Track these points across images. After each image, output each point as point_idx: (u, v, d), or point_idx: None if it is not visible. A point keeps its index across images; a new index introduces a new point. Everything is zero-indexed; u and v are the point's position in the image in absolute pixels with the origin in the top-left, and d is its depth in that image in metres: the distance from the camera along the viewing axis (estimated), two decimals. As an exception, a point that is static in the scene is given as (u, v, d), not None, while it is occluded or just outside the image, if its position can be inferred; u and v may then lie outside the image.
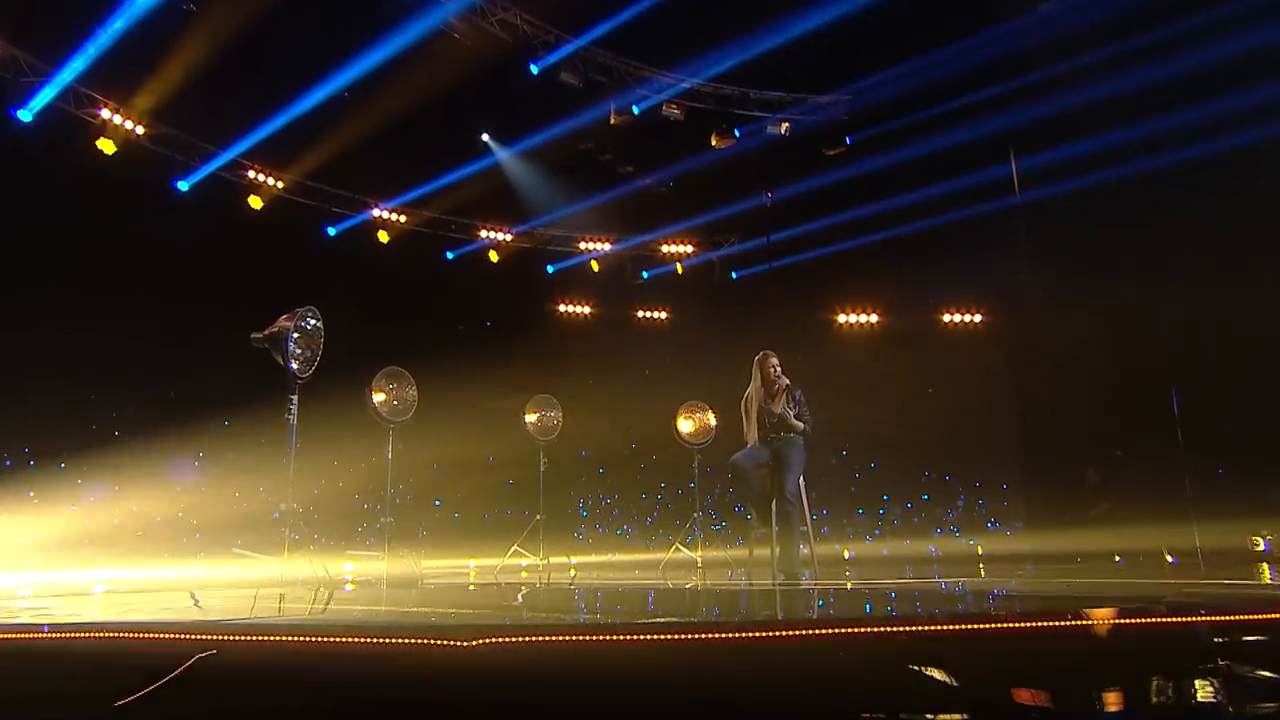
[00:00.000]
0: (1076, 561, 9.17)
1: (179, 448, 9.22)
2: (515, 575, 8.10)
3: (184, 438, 9.15)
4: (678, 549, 8.91)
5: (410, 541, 11.08)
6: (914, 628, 2.07)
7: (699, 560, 8.66)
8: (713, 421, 8.94)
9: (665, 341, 12.58)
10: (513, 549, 8.27)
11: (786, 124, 10.62)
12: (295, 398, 5.59)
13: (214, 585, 5.98)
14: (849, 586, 5.09)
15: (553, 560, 10.30)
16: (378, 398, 7.17)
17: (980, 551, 10.70)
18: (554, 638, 2.07)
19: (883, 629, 2.08)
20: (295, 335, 5.62)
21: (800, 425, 5.97)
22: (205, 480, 9.28)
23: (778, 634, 2.11)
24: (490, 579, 7.53)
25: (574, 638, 2.11)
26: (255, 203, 9.81)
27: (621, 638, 2.15)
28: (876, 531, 11.46)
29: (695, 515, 8.83)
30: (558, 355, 13.07)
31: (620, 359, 12.28)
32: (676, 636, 2.12)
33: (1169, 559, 8.19)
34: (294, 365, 5.56)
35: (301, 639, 2.30)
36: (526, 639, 2.03)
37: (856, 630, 2.05)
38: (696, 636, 2.11)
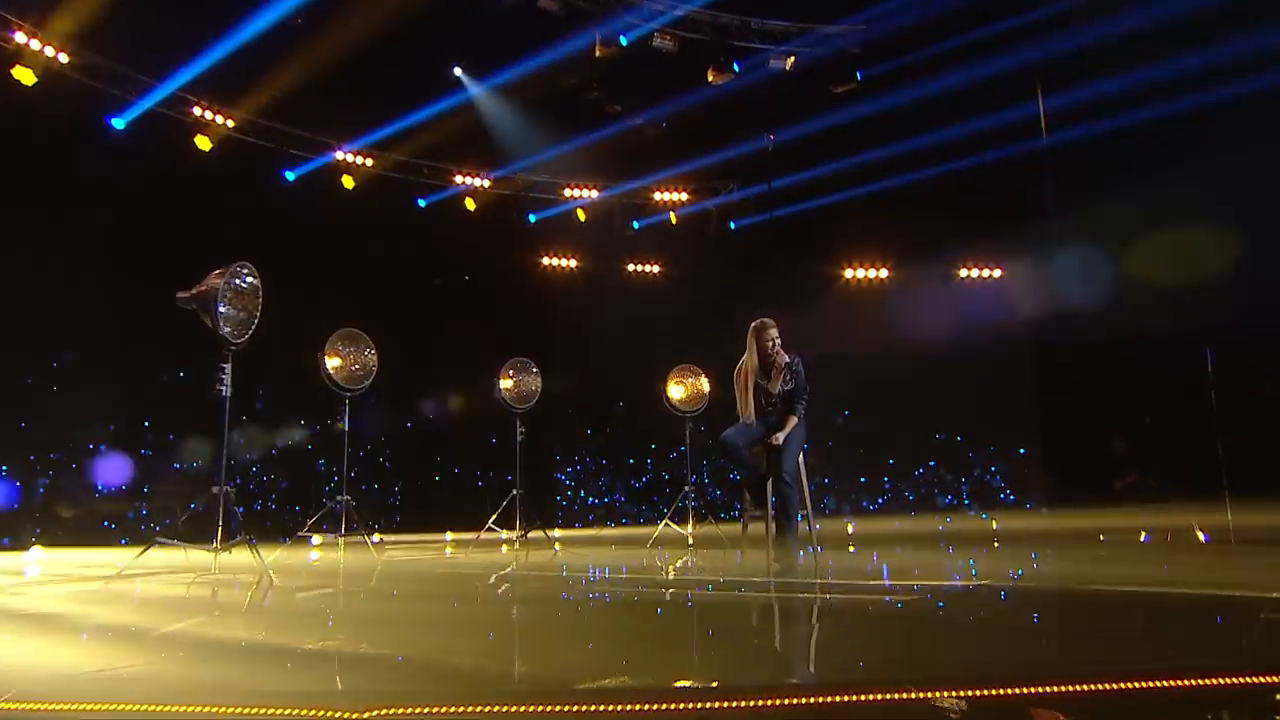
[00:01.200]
0: (1099, 539, 8.88)
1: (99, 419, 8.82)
2: (492, 552, 7.77)
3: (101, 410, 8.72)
4: (668, 524, 8.59)
5: (381, 519, 10.80)
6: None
7: (690, 538, 8.34)
8: (706, 387, 8.57)
9: (658, 297, 12.15)
10: (487, 525, 7.94)
11: (791, 58, 10.03)
12: (228, 367, 5.17)
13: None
14: (854, 582, 4.73)
15: (533, 536, 10.00)
16: (332, 363, 6.76)
17: (994, 526, 10.39)
18: (467, 710, 1.66)
19: (909, 696, 1.67)
20: (228, 295, 5.18)
21: (798, 413, 5.57)
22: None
23: (771, 703, 1.72)
24: (462, 557, 7.19)
25: (496, 709, 1.70)
26: (203, 143, 9.26)
27: (556, 709, 1.74)
28: (880, 500, 11.14)
29: (687, 488, 8.50)
30: (541, 312, 12.66)
31: (610, 316, 11.86)
32: (639, 708, 1.72)
33: (1200, 537, 7.87)
34: (226, 330, 5.13)
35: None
36: (433, 711, 1.62)
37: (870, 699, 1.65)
38: (667, 707, 1.71)
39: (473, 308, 11.76)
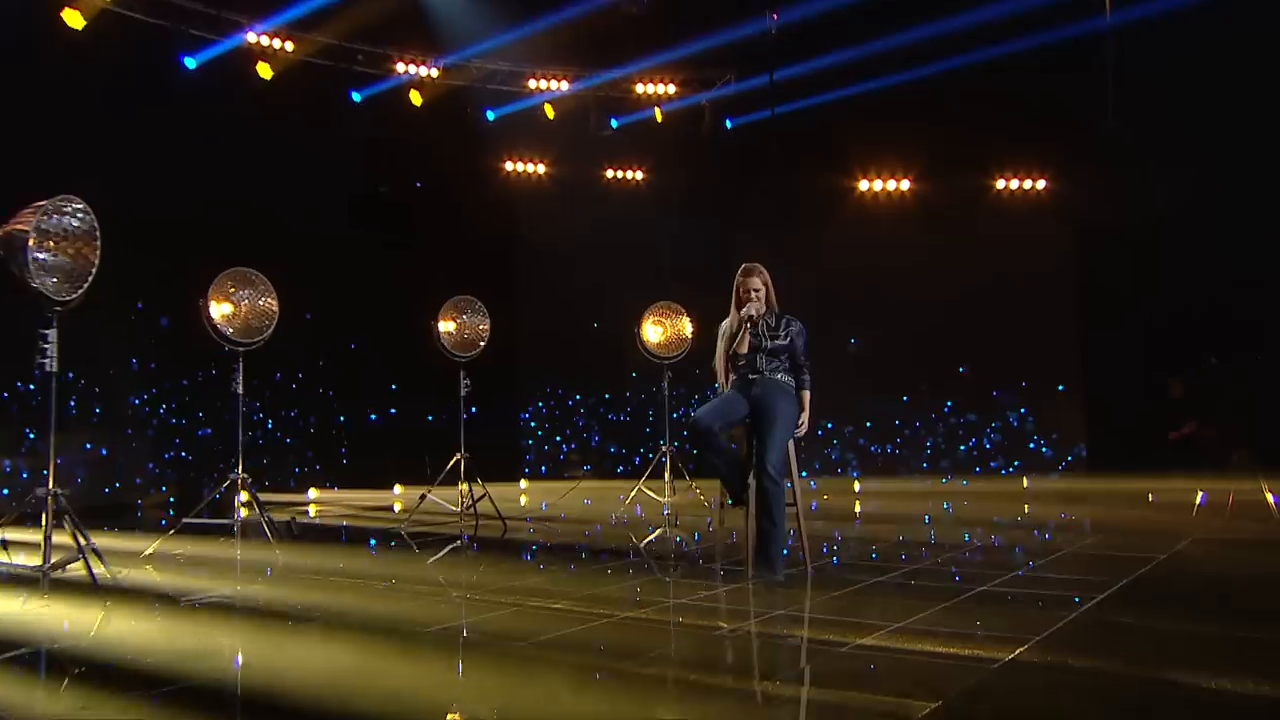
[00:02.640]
0: (1149, 499, 8.19)
1: None
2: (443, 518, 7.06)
3: None
4: (641, 490, 7.87)
5: (328, 476, 10.08)
6: None
7: (666, 504, 7.63)
8: (688, 330, 7.73)
9: (640, 211, 11.14)
10: (425, 495, 7.18)
11: (799, -84, 8.79)
12: (53, 333, 4.29)
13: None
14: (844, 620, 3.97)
15: (492, 493, 9.31)
16: (220, 310, 5.88)
17: (1025, 484, 9.69)
18: None
19: None
20: (47, 237, 4.26)
21: (806, 384, 4.74)
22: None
23: None
24: (377, 562, 6.48)
25: None
26: (74, 21, 8.09)
27: None
28: (891, 448, 10.38)
29: (664, 445, 7.74)
30: (504, 228, 11.70)
31: (584, 233, 10.93)
32: None
33: (1270, 500, 7.20)
34: (48, 283, 4.23)
35: None
36: None
37: None
38: None
39: (422, 225, 10.81)
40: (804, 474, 10.23)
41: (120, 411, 9.16)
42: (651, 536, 6.63)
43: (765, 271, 4.92)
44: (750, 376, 4.76)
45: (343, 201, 10.35)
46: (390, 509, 8.76)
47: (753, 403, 4.67)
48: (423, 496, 7.18)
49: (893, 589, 4.23)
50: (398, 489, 10.37)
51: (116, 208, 8.65)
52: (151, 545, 5.55)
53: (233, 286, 5.94)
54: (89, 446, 8.93)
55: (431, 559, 5.54)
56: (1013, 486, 9.23)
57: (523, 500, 10.44)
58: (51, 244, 4.27)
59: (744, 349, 4.74)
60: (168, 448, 9.33)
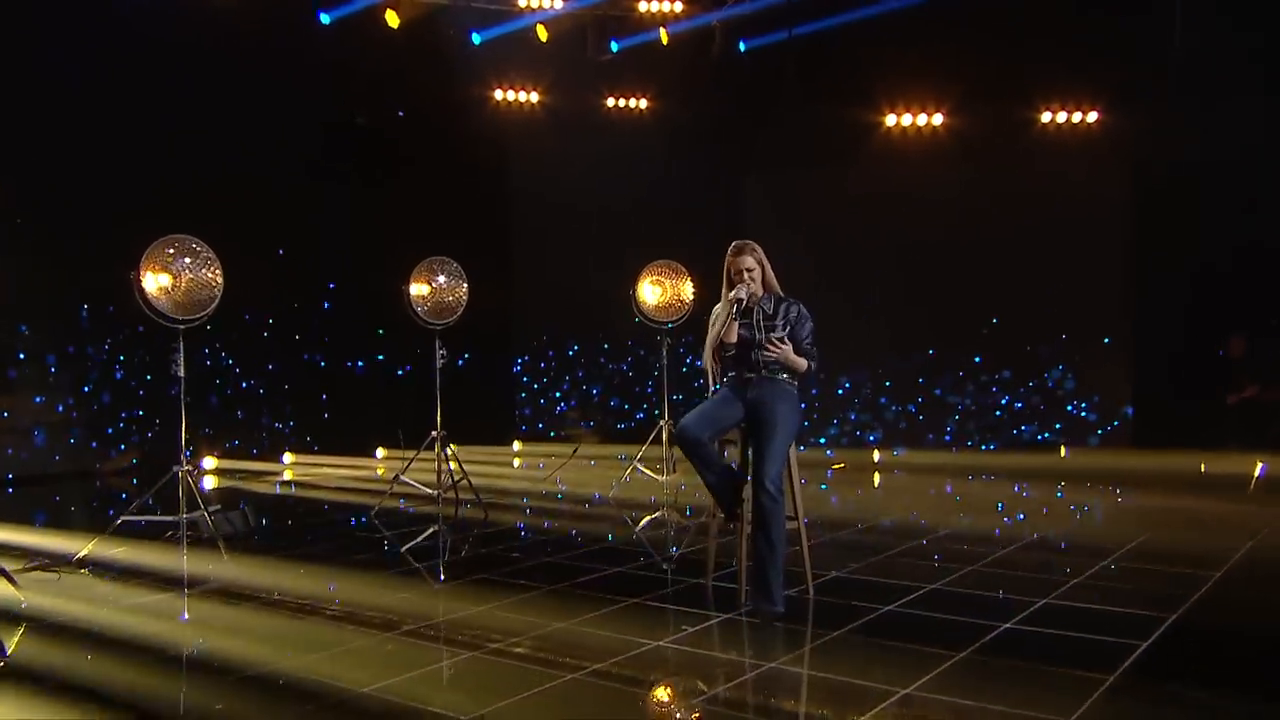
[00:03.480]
0: (1200, 470, 7.79)
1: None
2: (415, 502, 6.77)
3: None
4: (636, 469, 7.53)
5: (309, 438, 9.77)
6: None
7: (664, 485, 7.30)
8: (689, 293, 7.29)
9: (644, 141, 10.58)
10: (398, 476, 6.87)
11: None
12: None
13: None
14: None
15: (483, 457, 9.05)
16: (157, 281, 5.47)
17: (1062, 453, 9.27)
18: None
19: None
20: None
21: (803, 365, 4.28)
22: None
23: None
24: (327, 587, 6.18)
25: None
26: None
27: None
28: (915, 407, 9.91)
29: (661, 421, 7.37)
30: (492, 164, 11.19)
31: (581, 168, 10.42)
32: None
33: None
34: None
35: None
36: None
37: None
38: None
39: (403, 160, 10.33)
40: (822, 440, 9.99)
41: (78, 368, 8.91)
42: (645, 522, 6.34)
43: (760, 250, 4.47)
44: (746, 375, 4.33)
45: (315, 133, 9.89)
46: (368, 480, 8.49)
47: (748, 406, 4.25)
48: (396, 477, 6.86)
49: (904, 627, 3.87)
50: (380, 452, 10.11)
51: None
52: (86, 546, 5.26)
53: (172, 254, 5.52)
54: (41, 401, 8.72)
55: (391, 572, 5.23)
56: (1048, 461, 8.80)
57: (516, 463, 10.18)
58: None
59: (732, 338, 4.31)
60: (132, 406, 9.05)
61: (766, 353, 4.21)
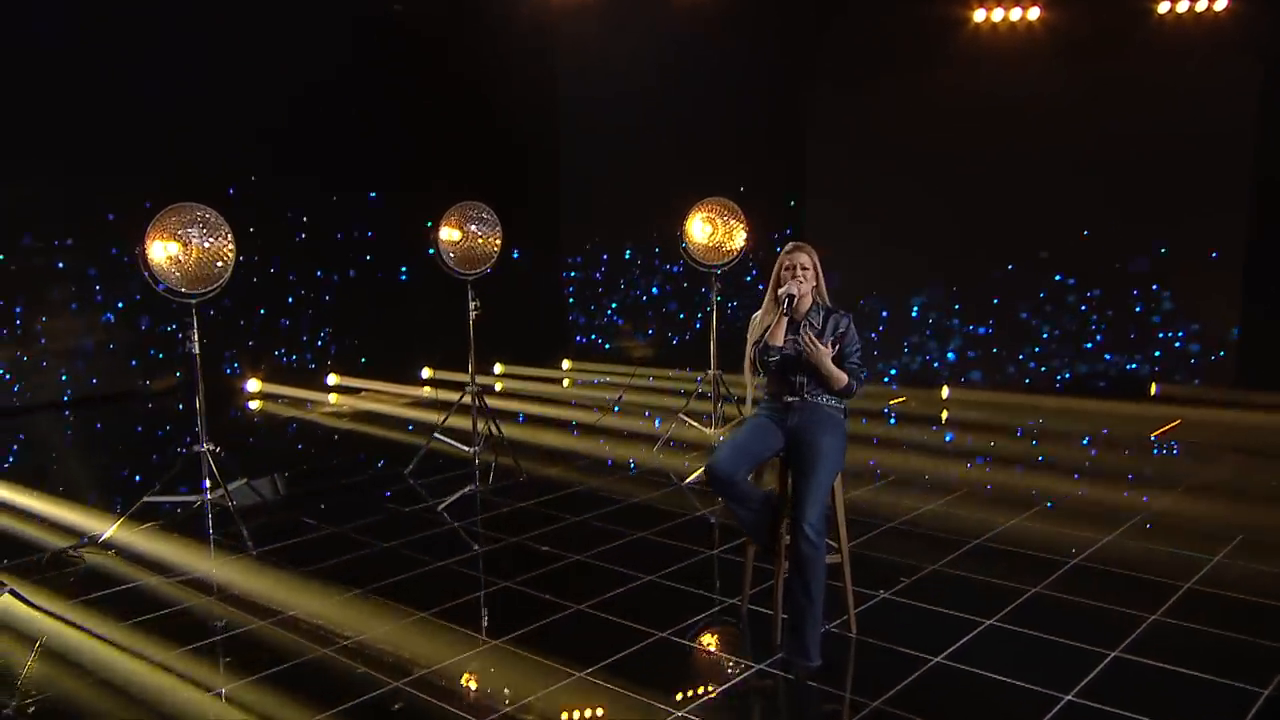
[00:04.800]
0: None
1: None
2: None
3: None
4: (681, 419, 7.24)
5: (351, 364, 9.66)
6: None
7: (714, 439, 6.99)
8: (739, 242, 6.78)
9: (700, 46, 9.78)
10: (434, 434, 6.67)
11: None
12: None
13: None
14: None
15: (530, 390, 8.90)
16: (165, 250, 5.19)
17: (1153, 390, 8.65)
18: None
19: None
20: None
21: (842, 380, 3.84)
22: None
23: None
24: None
25: None
26: None
27: None
28: (985, 330, 9.30)
29: (708, 374, 7.01)
30: (540, 61, 10.58)
31: (637, 65, 9.79)
32: None
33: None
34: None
35: None
36: None
37: None
38: None
39: (446, 55, 9.79)
40: (885, 380, 9.43)
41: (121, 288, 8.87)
42: (690, 479, 6.18)
43: (816, 254, 3.99)
44: (787, 399, 3.92)
45: (351, 28, 9.38)
46: (414, 406, 8.38)
47: (789, 435, 3.86)
48: (433, 433, 6.66)
49: (956, 684, 3.56)
50: (426, 372, 9.97)
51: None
52: (110, 528, 5.21)
53: (176, 223, 5.21)
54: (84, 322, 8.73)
55: (412, 567, 5.07)
56: (1137, 409, 8.07)
57: (565, 383, 9.98)
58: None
59: (778, 340, 3.88)
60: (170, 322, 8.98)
61: (804, 348, 3.78)
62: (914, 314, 9.35)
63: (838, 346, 3.86)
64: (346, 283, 9.99)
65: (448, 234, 6.37)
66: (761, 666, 3.73)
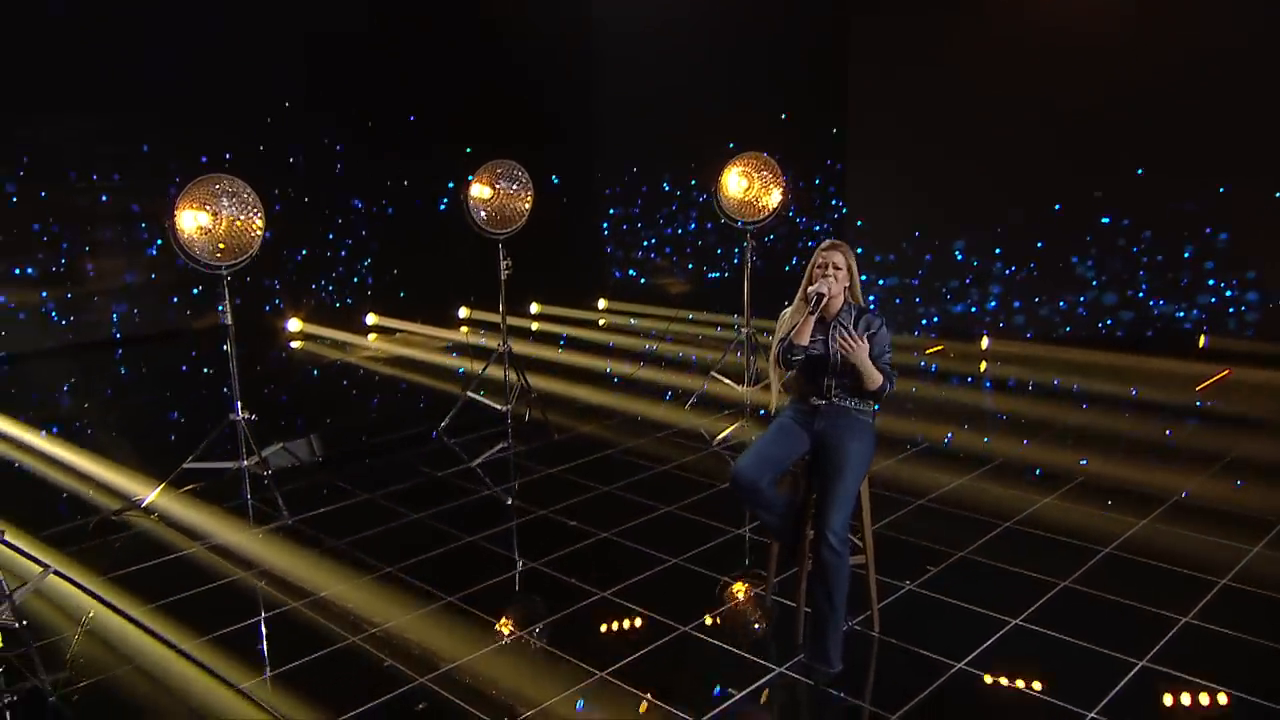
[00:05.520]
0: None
1: None
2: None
3: None
4: (715, 377, 7.16)
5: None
6: None
7: (746, 397, 6.92)
8: (774, 201, 6.58)
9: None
10: (468, 394, 6.66)
11: None
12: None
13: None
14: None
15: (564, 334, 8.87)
16: (196, 219, 5.15)
17: (1201, 342, 8.35)
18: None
19: None
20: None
21: (877, 380, 3.73)
22: None
23: None
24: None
25: None
26: None
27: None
28: (1029, 271, 8.96)
29: (742, 330, 6.90)
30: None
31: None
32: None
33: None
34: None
35: None
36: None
37: None
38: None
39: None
40: (916, 331, 9.15)
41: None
42: (723, 436, 6.19)
43: (851, 254, 3.85)
44: (814, 402, 3.82)
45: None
46: (448, 359, 8.39)
47: (815, 438, 3.78)
48: (465, 393, 6.66)
49: (976, 697, 3.53)
50: (464, 311, 9.95)
51: None
52: (152, 493, 5.32)
53: (210, 194, 5.16)
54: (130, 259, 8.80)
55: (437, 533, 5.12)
56: (1182, 366, 7.74)
57: (600, 323, 9.91)
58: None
59: (804, 339, 3.76)
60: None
61: (838, 345, 3.67)
62: (958, 257, 9.06)
63: (869, 346, 3.74)
64: (384, 219, 9.92)
65: (478, 190, 6.25)
66: (782, 669, 3.72)
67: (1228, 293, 8.37)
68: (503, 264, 6.27)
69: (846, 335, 3.65)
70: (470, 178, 6.17)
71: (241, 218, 5.14)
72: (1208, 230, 8.39)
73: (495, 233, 6.21)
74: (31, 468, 5.87)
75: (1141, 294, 8.61)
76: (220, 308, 5.23)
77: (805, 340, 3.76)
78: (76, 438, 6.36)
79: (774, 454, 3.77)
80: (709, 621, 4.08)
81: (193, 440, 5.40)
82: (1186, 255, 8.41)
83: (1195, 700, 3.46)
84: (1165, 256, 8.49)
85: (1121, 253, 8.61)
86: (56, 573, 4.30)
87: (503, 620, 4.15)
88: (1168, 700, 3.47)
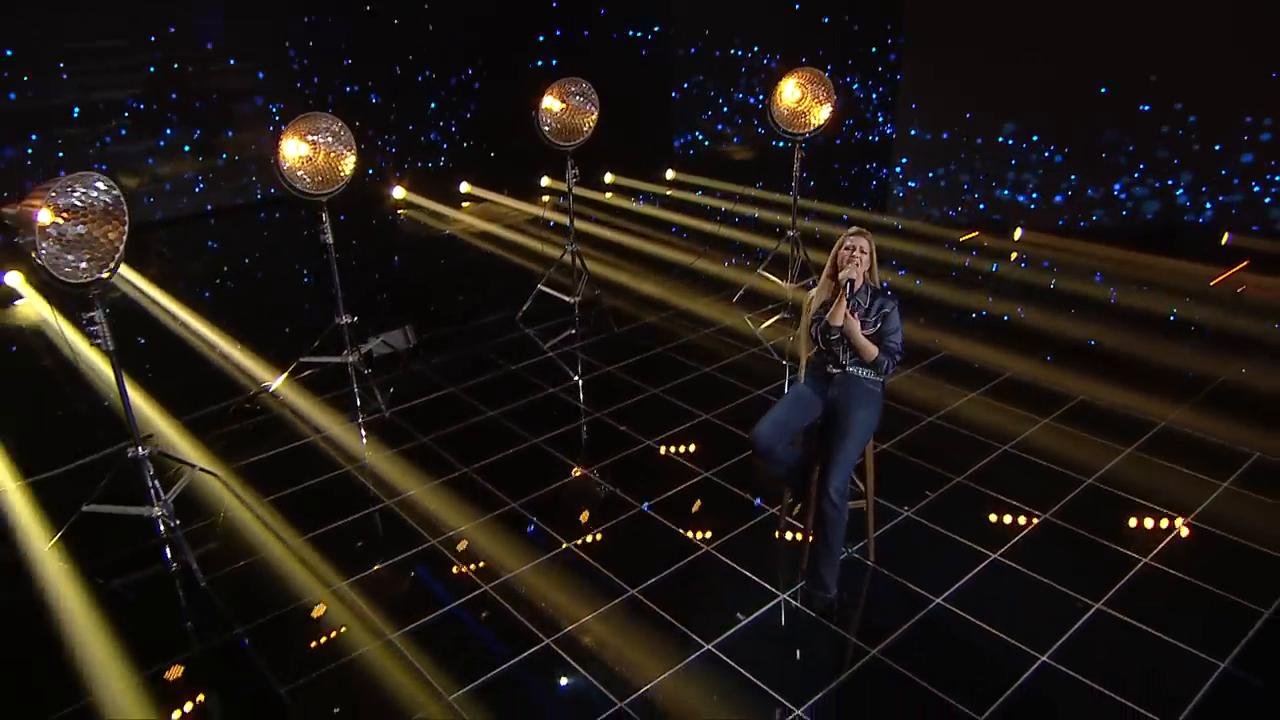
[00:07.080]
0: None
1: None
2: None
3: None
4: (761, 274, 7.00)
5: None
6: None
7: (789, 295, 6.77)
8: (822, 118, 6.17)
9: None
10: (536, 289, 6.65)
11: None
12: (99, 318, 3.89)
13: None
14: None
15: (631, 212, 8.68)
16: (296, 150, 5.10)
17: (1224, 239, 7.74)
18: None
19: None
20: (55, 223, 3.65)
21: (879, 358, 3.68)
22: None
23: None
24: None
25: None
26: None
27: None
28: (1063, 156, 8.29)
29: (789, 234, 6.66)
30: None
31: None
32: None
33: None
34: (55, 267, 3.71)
35: None
36: None
37: None
38: None
39: None
40: (953, 212, 8.51)
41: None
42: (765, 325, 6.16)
43: (873, 240, 3.71)
44: (831, 370, 3.79)
45: None
46: (529, 240, 8.30)
47: (828, 404, 3.77)
48: (535, 287, 6.66)
49: (948, 634, 3.64)
50: (545, 180, 9.75)
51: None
52: (277, 380, 5.59)
53: (306, 128, 5.07)
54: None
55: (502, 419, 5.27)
56: (1206, 268, 7.15)
57: (667, 193, 9.64)
58: (57, 234, 3.66)
59: (838, 320, 3.70)
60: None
61: (837, 322, 3.66)
62: (1008, 141, 8.41)
63: (879, 325, 3.66)
64: (471, 89, 9.59)
65: (549, 102, 6.01)
66: (784, 596, 3.86)
67: (1256, 188, 7.64)
68: (570, 171, 6.10)
69: (844, 318, 3.62)
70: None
71: (335, 150, 5.04)
72: (1249, 119, 7.55)
73: (560, 144, 6.01)
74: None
75: (1173, 182, 7.91)
76: (324, 229, 5.23)
77: (840, 321, 3.69)
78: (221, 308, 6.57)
79: (789, 423, 3.79)
80: (727, 539, 4.19)
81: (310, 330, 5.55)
82: (1217, 149, 7.62)
83: (1139, 645, 3.49)
84: (1195, 151, 7.73)
85: (1165, 140, 7.82)
86: (202, 469, 4.63)
87: (557, 526, 4.34)
88: (1114, 647, 3.51)
